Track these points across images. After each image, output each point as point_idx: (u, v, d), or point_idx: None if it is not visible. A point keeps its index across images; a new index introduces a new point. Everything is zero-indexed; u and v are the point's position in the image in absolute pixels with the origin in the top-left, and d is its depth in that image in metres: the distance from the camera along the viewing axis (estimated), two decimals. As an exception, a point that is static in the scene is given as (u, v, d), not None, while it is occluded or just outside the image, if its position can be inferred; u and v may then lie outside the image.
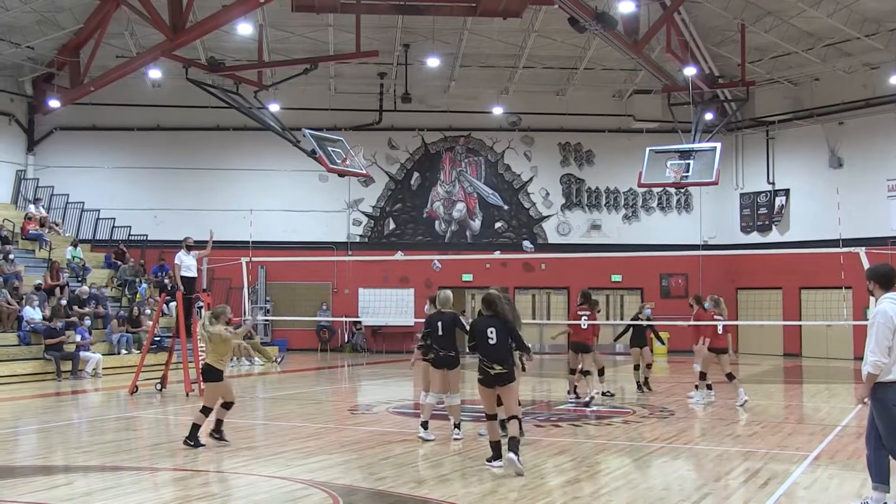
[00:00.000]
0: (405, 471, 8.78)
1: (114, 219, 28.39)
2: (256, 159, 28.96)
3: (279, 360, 23.98)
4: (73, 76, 25.17)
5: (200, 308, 16.22)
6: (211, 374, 10.18)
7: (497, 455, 8.77)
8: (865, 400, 6.85)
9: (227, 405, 10.26)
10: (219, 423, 10.23)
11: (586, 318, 14.64)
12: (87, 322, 20.73)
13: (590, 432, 11.28)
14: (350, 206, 29.92)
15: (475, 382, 9.07)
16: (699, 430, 11.81)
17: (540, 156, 30.39)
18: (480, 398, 9.14)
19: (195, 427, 9.98)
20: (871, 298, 7.01)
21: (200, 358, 15.66)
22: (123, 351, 20.90)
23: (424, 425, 10.66)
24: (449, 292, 10.84)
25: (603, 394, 15.25)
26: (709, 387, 14.81)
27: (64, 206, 28.32)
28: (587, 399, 14.11)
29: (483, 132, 30.38)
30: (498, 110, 29.67)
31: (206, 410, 10.10)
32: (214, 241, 17.20)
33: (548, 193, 30.33)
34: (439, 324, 10.40)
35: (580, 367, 14.57)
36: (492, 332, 8.78)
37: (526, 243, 29.78)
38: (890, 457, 6.83)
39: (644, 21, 23.31)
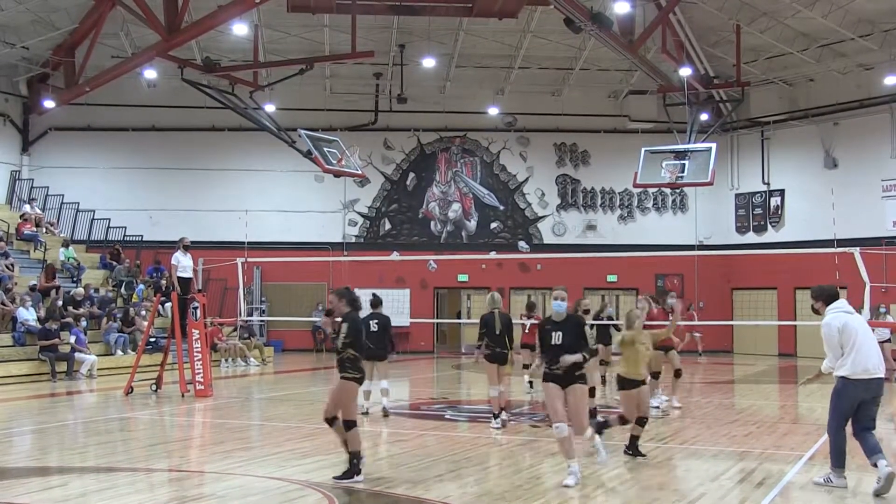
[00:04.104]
0: (400, 471, 8.78)
1: (109, 219, 28.36)
2: (252, 160, 28.94)
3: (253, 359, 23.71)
4: (68, 76, 25.14)
5: (196, 309, 16.20)
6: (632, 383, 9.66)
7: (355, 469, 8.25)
8: (805, 381, 8.73)
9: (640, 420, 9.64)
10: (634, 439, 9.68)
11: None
12: (84, 323, 20.67)
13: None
14: (346, 206, 29.90)
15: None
16: (694, 431, 11.83)
17: (535, 156, 30.41)
18: (354, 399, 8.56)
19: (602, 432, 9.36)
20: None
21: (196, 359, 15.70)
22: (119, 352, 20.86)
23: (495, 416, 11.62)
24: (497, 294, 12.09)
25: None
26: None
27: (59, 206, 28.28)
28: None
29: (479, 132, 30.40)
30: (493, 111, 29.67)
31: (624, 421, 9.58)
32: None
33: (543, 194, 30.35)
34: (497, 322, 11.43)
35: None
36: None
37: (521, 244, 29.80)
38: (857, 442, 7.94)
39: (639, 22, 23.35)
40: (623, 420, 9.57)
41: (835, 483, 7.93)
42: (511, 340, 11.85)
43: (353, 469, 8.21)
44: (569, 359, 8.01)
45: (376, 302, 13.08)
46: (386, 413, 12.92)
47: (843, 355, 7.85)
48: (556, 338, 8.14)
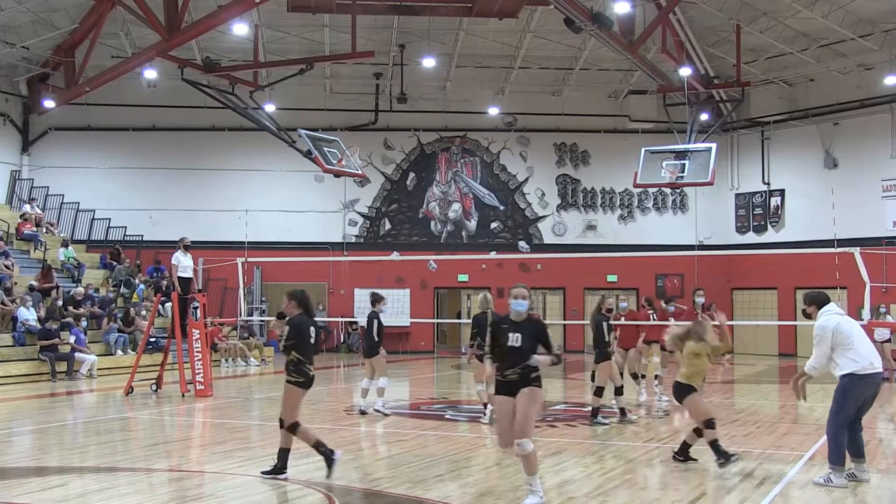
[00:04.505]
0: (401, 471, 8.78)
1: (109, 219, 28.36)
2: (252, 160, 28.94)
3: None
4: (68, 76, 25.13)
5: (196, 309, 16.20)
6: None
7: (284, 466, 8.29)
8: (796, 386, 8.37)
9: (698, 430, 9.18)
10: (686, 446, 9.30)
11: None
12: (84, 323, 20.67)
13: (585, 432, 11.29)
14: (346, 206, 29.90)
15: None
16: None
17: (536, 156, 30.41)
18: (295, 404, 8.32)
19: (718, 444, 9.04)
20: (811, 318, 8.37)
21: (196, 359, 15.70)
22: (119, 352, 20.86)
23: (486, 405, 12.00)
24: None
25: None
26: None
27: (59, 206, 28.28)
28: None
29: (479, 132, 30.40)
30: (494, 111, 29.68)
31: (710, 423, 9.09)
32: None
33: (543, 194, 30.35)
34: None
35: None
36: (313, 332, 8.42)
37: (522, 244, 29.79)
38: (849, 438, 8.17)
39: (639, 22, 23.35)
40: (709, 423, 9.09)
41: (835, 483, 7.97)
42: None
43: (282, 465, 8.24)
44: (543, 360, 7.19)
45: (373, 300, 13.16)
46: (363, 412, 12.90)
47: (841, 353, 7.98)
48: (514, 339, 7.20)
